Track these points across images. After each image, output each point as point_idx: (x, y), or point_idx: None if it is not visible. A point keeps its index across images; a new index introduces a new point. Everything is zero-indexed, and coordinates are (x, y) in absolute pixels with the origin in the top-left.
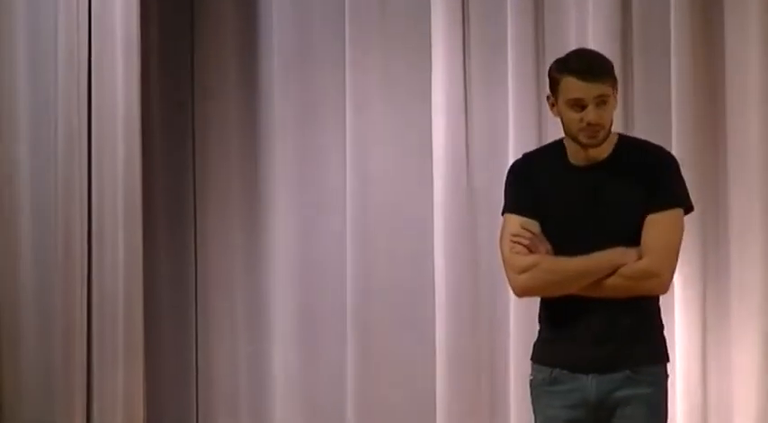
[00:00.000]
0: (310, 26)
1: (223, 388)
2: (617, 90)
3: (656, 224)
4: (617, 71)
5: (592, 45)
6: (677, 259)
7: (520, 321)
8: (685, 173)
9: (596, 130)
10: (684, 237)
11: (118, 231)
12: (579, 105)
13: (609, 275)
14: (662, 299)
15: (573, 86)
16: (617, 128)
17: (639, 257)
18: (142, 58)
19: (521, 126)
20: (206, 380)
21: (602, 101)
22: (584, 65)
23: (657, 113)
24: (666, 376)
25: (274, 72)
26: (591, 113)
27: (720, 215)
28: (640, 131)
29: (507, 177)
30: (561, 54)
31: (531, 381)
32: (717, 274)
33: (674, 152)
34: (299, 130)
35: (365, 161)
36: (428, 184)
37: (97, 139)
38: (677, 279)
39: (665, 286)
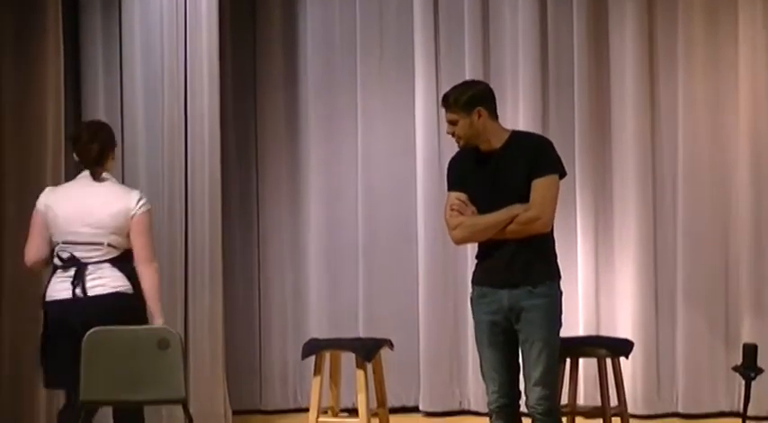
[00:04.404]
0: (333, 68)
1: (276, 305)
2: (473, 113)
3: (538, 186)
4: (539, 94)
5: (521, 79)
6: (554, 208)
7: (473, 259)
8: (583, 161)
9: (457, 139)
10: (583, 200)
11: (204, 201)
12: (448, 122)
13: (509, 224)
14: (567, 241)
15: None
16: (536, 131)
17: (528, 209)
18: (221, 92)
19: None
20: (265, 299)
21: (452, 122)
22: (443, 97)
23: (565, 121)
24: (560, 291)
25: (309, 99)
26: (449, 128)
27: (607, 186)
28: (553, 134)
29: (448, 166)
30: (501, 86)
31: (471, 297)
32: (605, 225)
33: (575, 147)
34: (326, 137)
35: (371, 156)
36: (413, 171)
37: (191, 140)
38: (579, 227)
39: (547, 226)
